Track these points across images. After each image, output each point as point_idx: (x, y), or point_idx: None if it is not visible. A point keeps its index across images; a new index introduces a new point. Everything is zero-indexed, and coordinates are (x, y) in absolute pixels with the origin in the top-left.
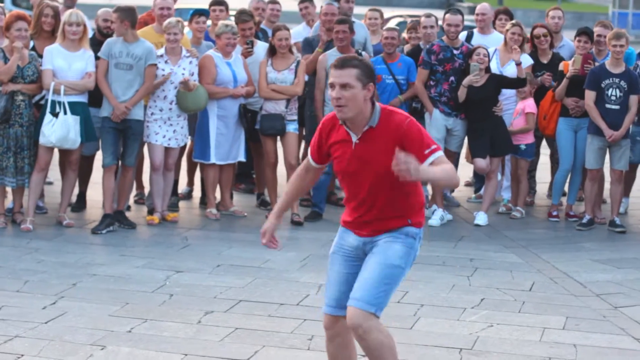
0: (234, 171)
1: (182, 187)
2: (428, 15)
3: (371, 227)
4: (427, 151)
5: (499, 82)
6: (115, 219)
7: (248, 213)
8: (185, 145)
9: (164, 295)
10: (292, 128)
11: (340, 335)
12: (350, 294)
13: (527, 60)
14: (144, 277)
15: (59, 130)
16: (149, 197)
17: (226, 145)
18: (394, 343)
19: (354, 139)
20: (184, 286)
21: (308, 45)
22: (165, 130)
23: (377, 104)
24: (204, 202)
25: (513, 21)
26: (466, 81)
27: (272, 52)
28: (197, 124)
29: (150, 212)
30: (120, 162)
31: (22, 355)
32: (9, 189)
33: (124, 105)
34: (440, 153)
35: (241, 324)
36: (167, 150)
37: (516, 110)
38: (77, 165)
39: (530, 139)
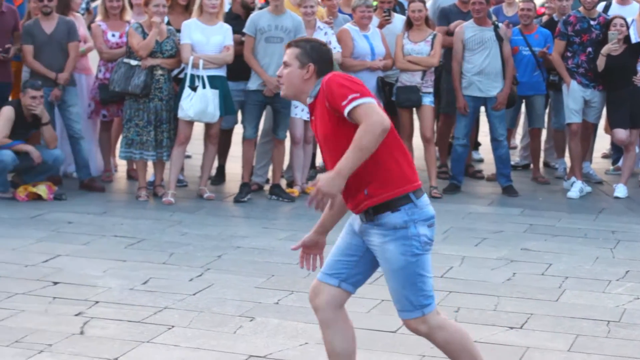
0: None
1: (320, 160)
2: None
3: (349, 204)
4: (343, 102)
5: (637, 51)
6: (273, 192)
7: None
8: None
9: None
10: (427, 100)
11: (320, 312)
12: (340, 265)
13: None
14: (288, 250)
15: (198, 104)
16: (288, 169)
17: None
18: (462, 337)
19: (312, 118)
20: None
21: (444, 16)
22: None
23: (321, 79)
24: None
25: None
26: (605, 50)
27: (408, 24)
28: None
29: (290, 184)
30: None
31: (173, 326)
32: (150, 163)
33: (276, 79)
34: (361, 101)
35: (386, 296)
36: (308, 123)
37: None
38: (217, 139)
39: None
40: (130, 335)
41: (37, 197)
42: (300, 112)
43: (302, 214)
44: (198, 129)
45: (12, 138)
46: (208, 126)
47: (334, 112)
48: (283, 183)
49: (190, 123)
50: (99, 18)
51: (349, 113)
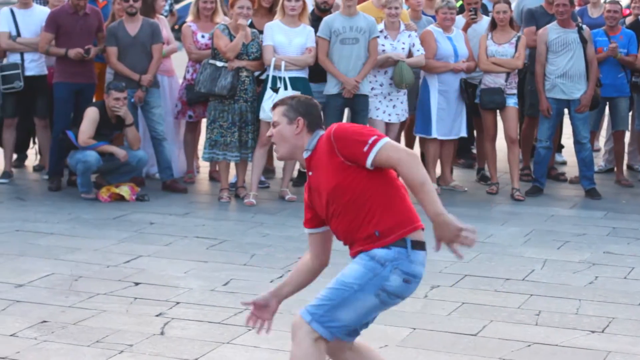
0: (455, 146)
1: None
2: None
3: (355, 248)
4: (365, 148)
5: None
6: None
7: (468, 188)
8: (405, 121)
9: None
10: (511, 102)
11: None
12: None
13: None
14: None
15: None
16: None
17: (448, 120)
18: None
19: (309, 174)
20: None
21: (531, 17)
22: (385, 106)
23: (319, 132)
24: None
25: None
26: None
27: (493, 25)
28: (419, 99)
29: None
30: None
31: (253, 327)
32: (232, 164)
33: (354, 80)
34: (382, 142)
35: (467, 299)
36: (388, 125)
37: None
38: None
39: None
40: (210, 336)
41: (120, 198)
42: (381, 114)
43: None
44: None
45: (96, 139)
46: None
47: (347, 162)
48: None
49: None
50: (189, 19)
51: (374, 158)
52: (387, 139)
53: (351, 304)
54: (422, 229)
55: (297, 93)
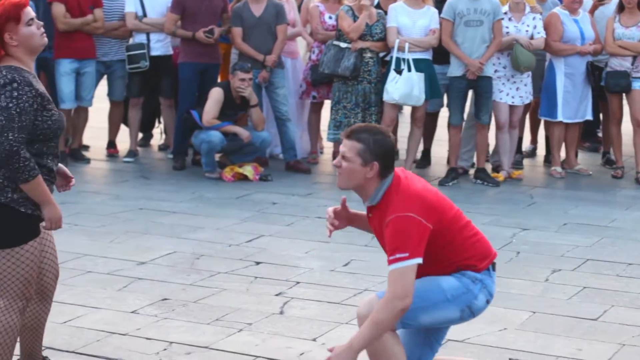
0: (580, 129)
1: (526, 144)
2: None
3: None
4: (391, 257)
5: None
6: (478, 177)
7: (593, 172)
8: (529, 103)
9: (511, 253)
10: (637, 85)
11: None
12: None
13: None
14: (491, 234)
15: (403, 87)
16: (494, 154)
17: (574, 103)
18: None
19: (369, 215)
20: (531, 244)
21: None
22: (509, 89)
23: (387, 181)
24: (548, 160)
25: None
26: None
27: (620, 8)
28: (544, 82)
29: (495, 169)
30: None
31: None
32: None
33: (478, 62)
34: (403, 265)
35: (589, 283)
36: (512, 107)
37: None
38: (423, 122)
39: None
40: (329, 316)
41: (243, 178)
42: (504, 96)
43: (506, 199)
44: (406, 112)
45: (220, 119)
46: (413, 109)
47: None
48: (489, 167)
49: (395, 106)
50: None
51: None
52: (411, 263)
53: (437, 311)
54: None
55: (374, 126)
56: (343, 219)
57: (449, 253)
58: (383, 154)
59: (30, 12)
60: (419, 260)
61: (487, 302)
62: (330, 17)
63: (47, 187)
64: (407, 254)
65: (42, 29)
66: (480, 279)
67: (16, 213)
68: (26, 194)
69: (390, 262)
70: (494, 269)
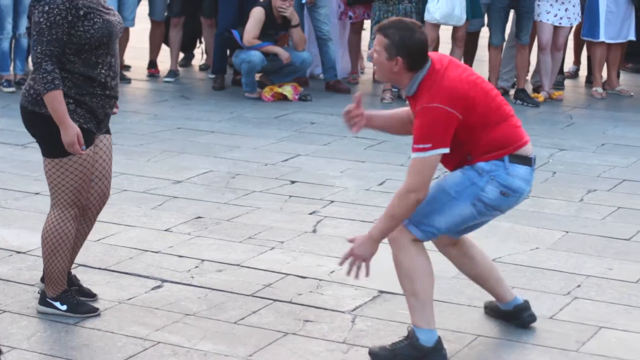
0: (623, 50)
1: (568, 65)
2: None
3: (449, 165)
4: (414, 146)
5: None
6: (518, 97)
7: (635, 92)
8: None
9: (547, 173)
10: None
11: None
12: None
13: None
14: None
15: (444, 6)
16: (535, 74)
17: (616, 23)
18: (418, 273)
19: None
20: (568, 164)
21: None
22: (557, 9)
23: (421, 73)
24: (589, 80)
25: None
26: None
27: None
28: (587, 2)
29: (536, 89)
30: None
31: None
32: None
33: None
34: (424, 155)
35: (623, 204)
36: (558, 29)
37: None
38: (463, 42)
39: None
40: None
41: (283, 98)
42: (552, 17)
43: (545, 119)
44: (446, 33)
45: (261, 39)
46: (455, 29)
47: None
48: (529, 88)
49: (437, 26)
50: None
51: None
52: (433, 153)
53: (448, 211)
54: (526, 144)
55: (405, 18)
56: (361, 117)
57: (470, 146)
58: (407, 50)
59: None
60: (444, 150)
61: (503, 194)
62: None
63: (69, 107)
64: (430, 145)
65: None
66: (488, 170)
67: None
68: (72, 107)
69: (412, 150)
70: (514, 161)
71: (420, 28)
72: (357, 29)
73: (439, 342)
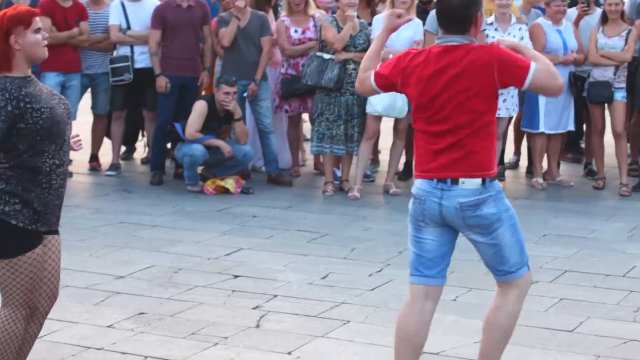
0: (563, 140)
1: (509, 156)
2: None
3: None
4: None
5: None
6: None
7: (575, 183)
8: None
9: None
10: (619, 96)
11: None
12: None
13: None
14: (469, 246)
15: (386, 99)
16: None
17: (556, 114)
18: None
19: None
20: None
21: None
22: None
23: None
24: (530, 171)
25: None
26: None
27: (604, 18)
28: (526, 93)
29: None
30: None
31: (349, 321)
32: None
33: None
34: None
35: (566, 295)
36: (497, 120)
37: None
38: (405, 134)
39: None
40: (305, 329)
41: (225, 191)
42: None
43: None
44: (387, 124)
45: (204, 132)
46: (397, 121)
47: None
48: None
49: (378, 118)
50: (283, 14)
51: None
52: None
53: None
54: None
55: None
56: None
57: None
58: None
59: (39, 22)
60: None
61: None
62: (295, 31)
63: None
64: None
65: (46, 42)
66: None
67: (8, 225)
68: (19, 207)
69: None
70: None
71: None
72: (295, 121)
73: None
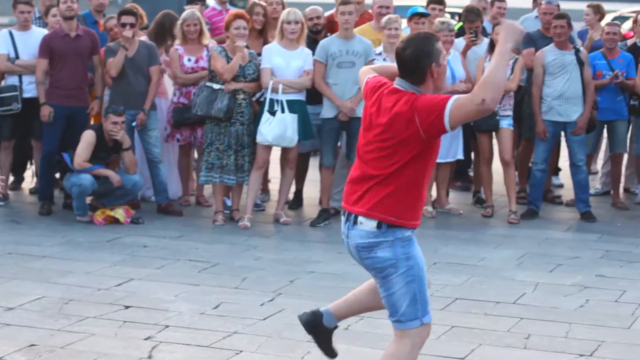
0: (452, 169)
1: None
2: None
3: None
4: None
5: None
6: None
7: (464, 211)
8: None
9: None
10: (505, 124)
11: None
12: None
13: None
14: (361, 275)
15: (276, 128)
16: None
17: (445, 143)
18: None
19: None
20: None
21: (530, 40)
22: None
23: None
24: None
25: None
26: None
27: (491, 47)
28: None
29: None
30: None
31: (241, 351)
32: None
33: (350, 103)
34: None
35: (457, 322)
36: None
37: None
38: (295, 163)
39: None
40: (197, 359)
41: (115, 221)
42: None
43: None
44: (277, 153)
45: (92, 162)
46: (286, 150)
47: None
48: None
49: (268, 147)
50: (177, 42)
51: None
52: None
53: None
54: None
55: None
56: None
57: None
58: None
59: None
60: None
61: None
62: (189, 60)
63: None
64: None
65: None
66: None
67: None
68: None
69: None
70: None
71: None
72: (186, 151)
73: None
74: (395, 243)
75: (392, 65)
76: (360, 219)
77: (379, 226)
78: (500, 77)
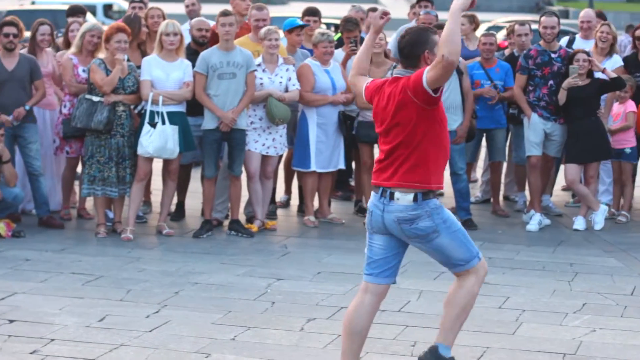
0: (333, 178)
1: (280, 195)
2: (522, 24)
3: None
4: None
5: (600, 87)
6: (232, 228)
7: (346, 220)
8: (282, 154)
9: (266, 303)
10: None
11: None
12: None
13: (616, 62)
14: (246, 285)
15: (157, 140)
16: (247, 205)
17: (326, 152)
18: None
19: None
20: (285, 294)
21: None
22: (265, 139)
23: None
24: (301, 209)
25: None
26: (565, 84)
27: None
28: (297, 132)
29: (249, 220)
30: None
31: None
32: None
33: (231, 114)
34: None
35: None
36: (266, 158)
37: (617, 113)
38: (177, 175)
39: (633, 142)
40: None
41: None
42: (260, 146)
43: (260, 250)
44: (158, 165)
45: None
46: (167, 162)
47: None
48: (243, 218)
49: (149, 159)
50: (71, 51)
51: None
52: None
53: None
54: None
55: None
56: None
57: None
58: None
59: None
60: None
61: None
62: (83, 71)
63: None
64: None
65: None
66: None
67: None
68: None
69: None
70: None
71: None
72: (73, 164)
73: None
74: (432, 212)
75: (360, 53)
76: (396, 194)
77: (415, 199)
78: (454, 33)
